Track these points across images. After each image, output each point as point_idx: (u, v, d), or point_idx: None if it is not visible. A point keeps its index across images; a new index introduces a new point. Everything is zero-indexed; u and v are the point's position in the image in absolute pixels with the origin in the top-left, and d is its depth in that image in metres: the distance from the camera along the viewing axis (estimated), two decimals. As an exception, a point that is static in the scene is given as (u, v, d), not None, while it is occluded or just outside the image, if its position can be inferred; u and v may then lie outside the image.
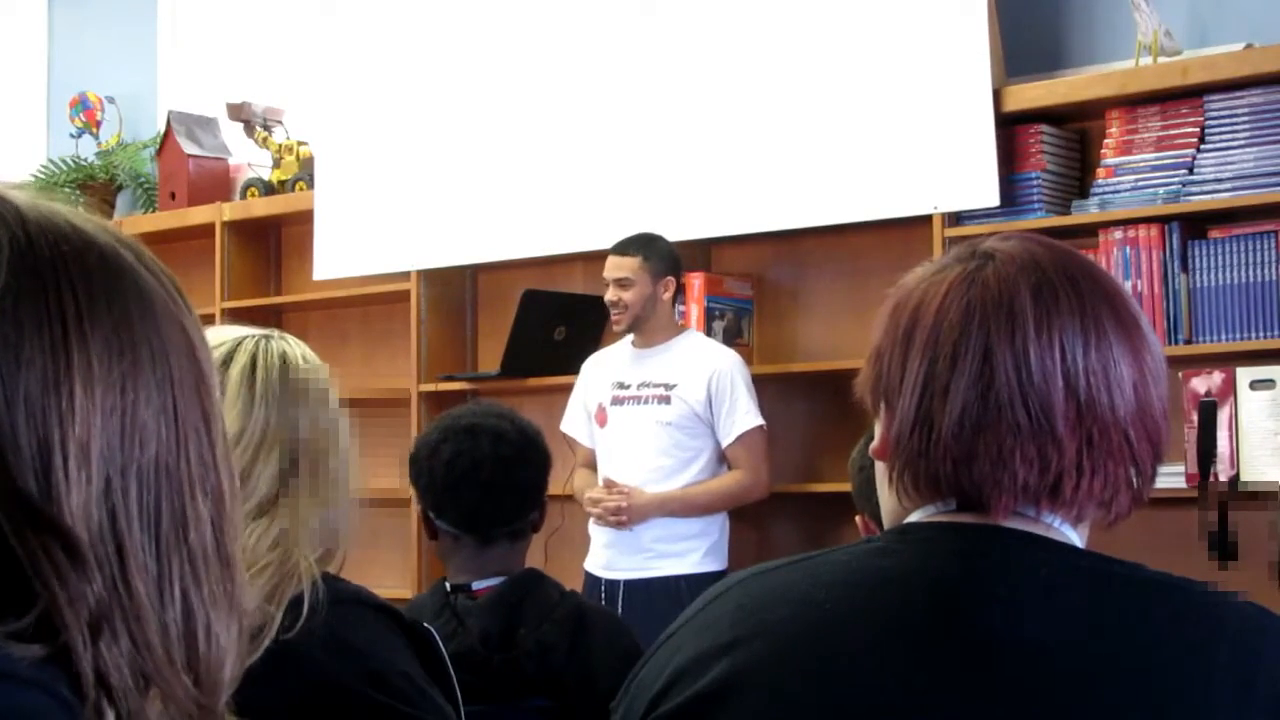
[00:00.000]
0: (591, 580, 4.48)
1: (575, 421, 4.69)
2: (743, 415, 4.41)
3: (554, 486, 4.68)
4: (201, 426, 0.83)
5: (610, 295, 4.48)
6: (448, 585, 2.58)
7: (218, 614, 0.82)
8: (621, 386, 4.52)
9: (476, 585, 2.56)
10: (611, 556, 4.45)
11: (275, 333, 1.79)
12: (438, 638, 1.84)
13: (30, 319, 0.78)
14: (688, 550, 4.39)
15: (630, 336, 4.56)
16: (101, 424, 0.79)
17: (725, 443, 4.43)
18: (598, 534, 4.51)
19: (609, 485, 4.44)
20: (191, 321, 0.85)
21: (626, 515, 4.37)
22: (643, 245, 4.49)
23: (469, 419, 2.67)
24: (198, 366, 0.84)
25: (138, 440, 0.80)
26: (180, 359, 0.83)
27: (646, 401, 4.47)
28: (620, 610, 4.35)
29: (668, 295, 4.49)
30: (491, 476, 2.56)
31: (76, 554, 0.77)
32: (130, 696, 0.78)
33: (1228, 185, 4.03)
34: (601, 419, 4.56)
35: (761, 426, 4.42)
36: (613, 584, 4.42)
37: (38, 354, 0.78)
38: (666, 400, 4.43)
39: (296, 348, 1.77)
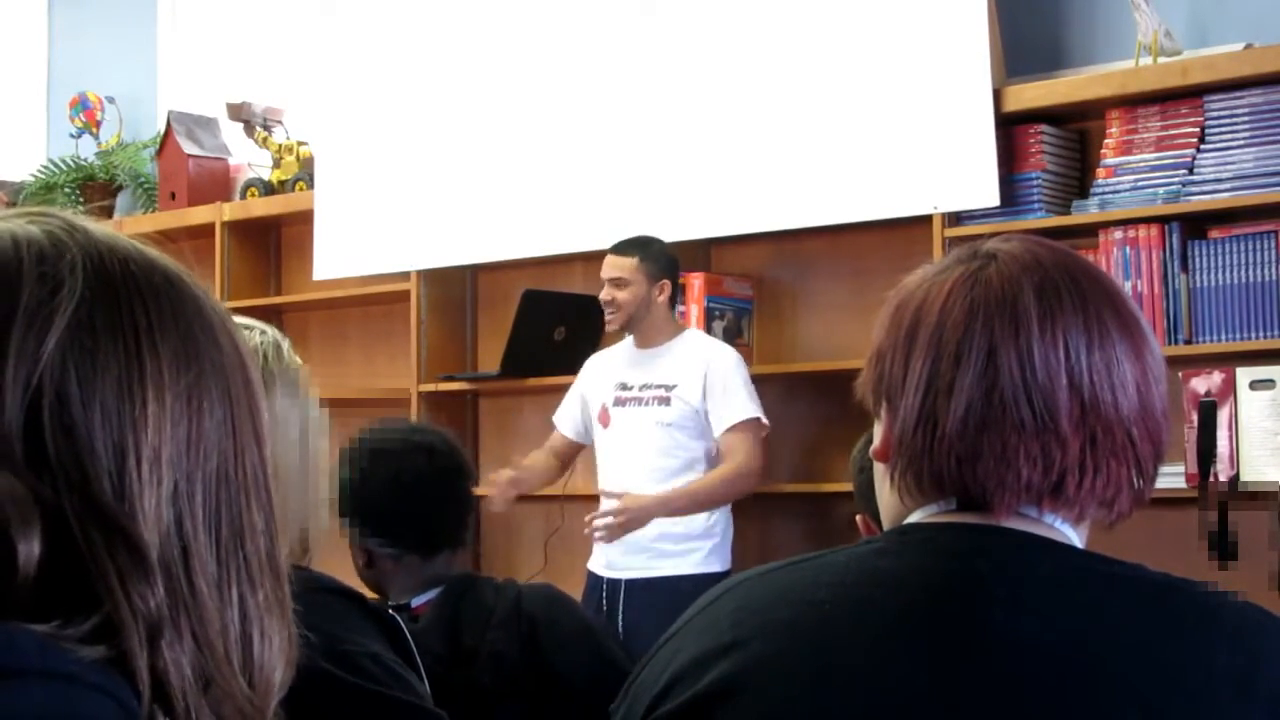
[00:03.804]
0: (594, 580, 4.48)
1: (566, 414, 4.66)
2: (739, 405, 4.37)
3: (554, 487, 4.74)
4: (254, 441, 0.87)
5: (605, 294, 4.49)
6: (390, 607, 2.57)
7: (271, 620, 0.86)
8: (624, 388, 4.53)
9: (416, 602, 2.55)
10: (614, 556, 4.44)
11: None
12: (402, 623, 1.84)
13: (106, 329, 0.82)
14: (690, 550, 4.38)
15: (631, 338, 4.56)
16: (171, 432, 0.82)
17: (717, 432, 4.39)
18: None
19: (604, 496, 4.40)
20: (243, 341, 0.90)
21: (624, 519, 4.32)
22: (640, 246, 4.51)
23: (391, 437, 2.67)
24: (250, 384, 0.88)
25: (202, 450, 0.84)
26: (235, 375, 0.87)
27: (647, 403, 4.47)
28: (623, 610, 4.35)
29: (662, 298, 4.49)
30: (436, 491, 2.58)
31: (141, 557, 0.80)
32: (191, 695, 0.80)
33: (1228, 185, 4.03)
34: (605, 420, 4.56)
35: (759, 419, 4.39)
36: (615, 584, 4.42)
37: (113, 362, 0.81)
38: (666, 401, 4.43)
39: (258, 336, 1.75)
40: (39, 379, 0.80)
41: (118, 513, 0.79)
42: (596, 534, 4.35)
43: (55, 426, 0.79)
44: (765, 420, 4.41)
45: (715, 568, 4.36)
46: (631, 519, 4.32)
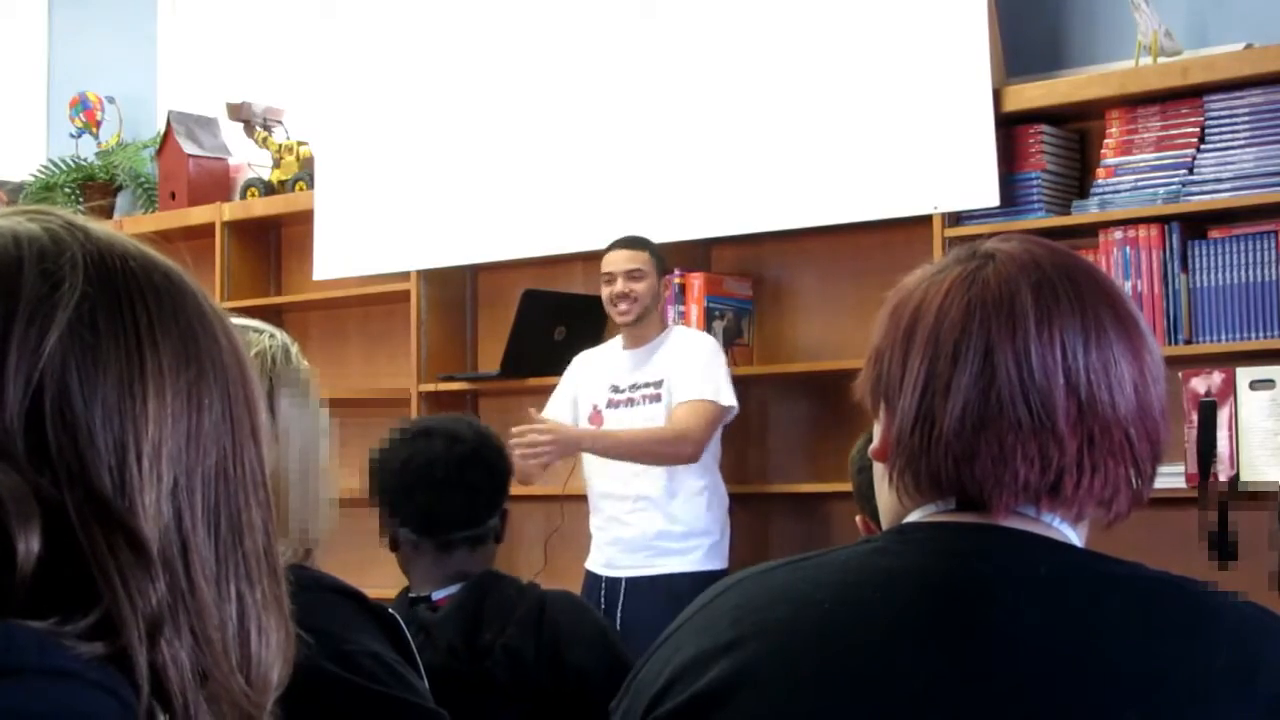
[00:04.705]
0: (592, 579, 4.48)
1: (557, 414, 4.61)
2: (696, 384, 4.35)
3: (554, 487, 4.74)
4: (251, 439, 0.88)
5: (620, 287, 4.46)
6: (409, 597, 2.56)
7: (268, 617, 0.86)
8: (616, 390, 4.53)
9: (437, 595, 2.53)
10: (613, 555, 4.45)
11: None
12: (401, 622, 1.83)
13: (107, 326, 0.82)
14: (689, 549, 4.38)
15: (620, 338, 4.56)
16: (172, 428, 0.83)
17: (674, 401, 4.36)
18: (599, 533, 4.51)
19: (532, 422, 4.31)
20: (240, 340, 0.90)
21: (552, 449, 4.24)
22: (646, 242, 4.53)
23: (425, 423, 2.71)
24: (247, 382, 0.89)
25: (201, 447, 0.84)
26: (234, 373, 0.88)
27: (638, 403, 4.47)
28: (621, 609, 4.35)
29: (666, 293, 4.56)
30: (445, 476, 2.55)
31: (142, 552, 0.80)
32: (189, 691, 0.81)
33: (1228, 185, 4.03)
34: (597, 420, 4.55)
35: (718, 404, 4.33)
36: (614, 582, 4.42)
37: (114, 359, 0.82)
38: (657, 399, 4.43)
39: (266, 340, 1.75)
40: (40, 375, 0.80)
41: (119, 508, 0.80)
42: (527, 456, 4.17)
43: (56, 422, 0.80)
44: (725, 404, 4.35)
45: (713, 566, 4.35)
46: (560, 442, 4.27)
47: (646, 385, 4.47)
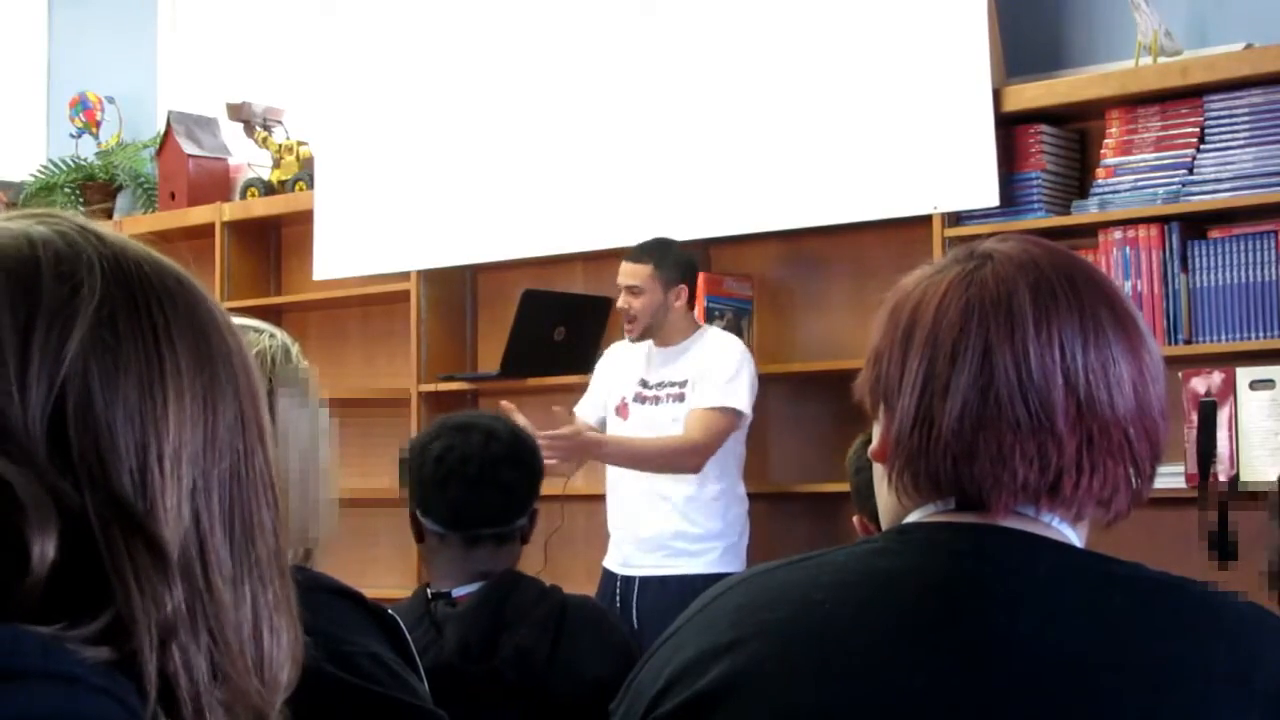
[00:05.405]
0: (608, 577, 4.48)
1: (590, 404, 4.62)
2: (717, 390, 4.33)
3: (555, 487, 4.74)
4: (259, 441, 0.88)
5: (621, 302, 4.47)
6: (429, 592, 2.56)
7: (280, 617, 0.87)
8: (645, 385, 4.52)
9: (457, 592, 2.53)
10: (629, 553, 4.44)
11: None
12: (401, 623, 1.83)
13: (127, 329, 0.83)
14: (705, 550, 4.37)
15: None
16: (191, 431, 0.83)
17: (693, 406, 4.37)
18: (617, 530, 4.50)
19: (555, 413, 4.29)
20: (246, 343, 0.91)
21: (567, 445, 4.18)
22: (654, 252, 4.47)
23: (464, 418, 2.70)
24: (254, 386, 0.89)
25: (217, 449, 0.85)
26: (243, 376, 0.88)
27: (663, 401, 4.46)
28: (636, 608, 4.34)
29: (679, 303, 4.46)
30: (479, 473, 2.55)
31: (161, 556, 0.80)
32: (203, 695, 0.81)
33: (1228, 185, 4.03)
34: (624, 413, 4.55)
35: (731, 410, 4.33)
36: (629, 581, 4.41)
37: (134, 362, 0.82)
38: (681, 399, 4.42)
39: (266, 339, 1.75)
40: (62, 379, 0.80)
41: (139, 511, 0.80)
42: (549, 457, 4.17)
43: (78, 425, 0.80)
44: (744, 412, 4.35)
45: (730, 568, 4.30)
46: (573, 447, 4.24)
47: (672, 384, 4.46)
